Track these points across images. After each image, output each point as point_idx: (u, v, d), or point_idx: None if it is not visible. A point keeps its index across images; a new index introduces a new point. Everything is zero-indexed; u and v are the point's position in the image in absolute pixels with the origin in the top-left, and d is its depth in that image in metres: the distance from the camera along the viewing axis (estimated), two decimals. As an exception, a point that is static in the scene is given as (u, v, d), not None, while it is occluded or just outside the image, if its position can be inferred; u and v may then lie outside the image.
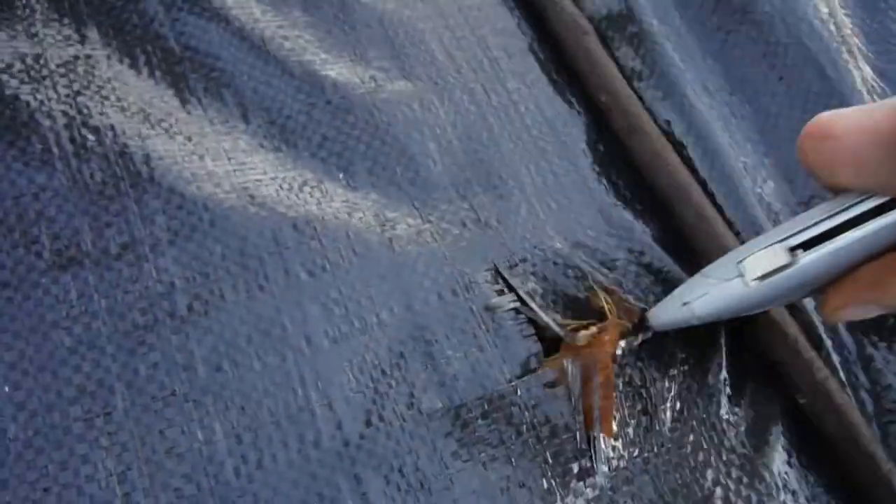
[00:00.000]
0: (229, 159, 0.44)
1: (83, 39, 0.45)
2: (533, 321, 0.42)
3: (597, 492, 0.38)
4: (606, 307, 0.42)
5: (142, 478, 0.33)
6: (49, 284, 0.37)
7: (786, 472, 0.42)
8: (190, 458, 0.34)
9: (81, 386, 0.34)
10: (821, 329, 0.47)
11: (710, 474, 0.40)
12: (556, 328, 0.41)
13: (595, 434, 0.40)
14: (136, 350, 0.36)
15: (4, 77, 0.41)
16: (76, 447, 0.33)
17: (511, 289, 0.43)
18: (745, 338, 0.45)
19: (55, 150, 0.40)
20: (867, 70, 0.57)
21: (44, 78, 0.43)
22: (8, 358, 0.34)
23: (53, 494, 0.32)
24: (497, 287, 0.44)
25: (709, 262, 0.40)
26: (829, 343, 0.46)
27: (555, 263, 0.46)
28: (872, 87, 0.56)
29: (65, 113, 0.42)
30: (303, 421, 0.37)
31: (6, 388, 0.33)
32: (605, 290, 0.43)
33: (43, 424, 0.33)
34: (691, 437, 0.41)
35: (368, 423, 0.38)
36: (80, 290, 0.37)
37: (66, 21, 0.46)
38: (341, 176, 0.46)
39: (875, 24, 0.60)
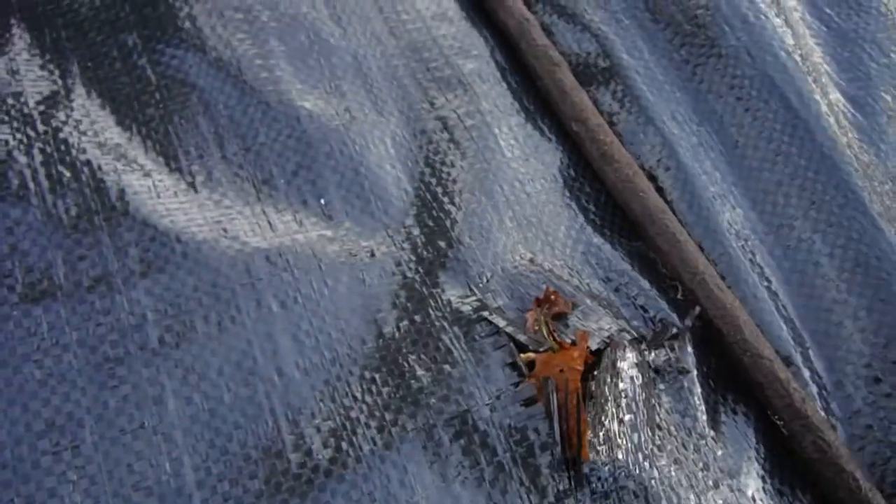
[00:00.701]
0: (203, 191, 0.45)
1: (64, 74, 0.46)
2: (507, 334, 0.43)
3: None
4: (545, 334, 0.43)
5: (109, 511, 0.34)
6: (21, 317, 0.37)
7: (761, 499, 0.43)
8: (158, 491, 0.35)
9: (50, 419, 0.35)
10: (797, 358, 0.48)
11: (693, 498, 0.41)
12: (523, 339, 0.42)
13: (574, 455, 0.40)
14: (107, 383, 0.37)
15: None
16: (44, 481, 0.34)
17: (485, 306, 0.44)
18: (721, 362, 0.46)
19: (31, 185, 0.41)
20: (837, 97, 0.58)
21: (24, 116, 0.44)
22: (-22, 393, 0.35)
23: (20, 529, 0.33)
24: (468, 301, 0.45)
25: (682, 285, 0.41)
26: (805, 372, 0.48)
27: (524, 280, 0.47)
28: (843, 113, 0.58)
29: (42, 150, 0.43)
30: (273, 451, 0.38)
31: (-25, 423, 0.34)
32: (545, 318, 0.44)
33: (11, 458, 0.34)
34: (666, 461, 0.42)
35: (339, 449, 0.39)
36: (51, 323, 0.38)
37: (47, 56, 0.47)
38: (316, 204, 0.47)
39: (846, 53, 0.61)
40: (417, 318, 0.44)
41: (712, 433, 0.44)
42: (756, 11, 0.57)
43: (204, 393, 0.38)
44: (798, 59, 0.56)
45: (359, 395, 0.40)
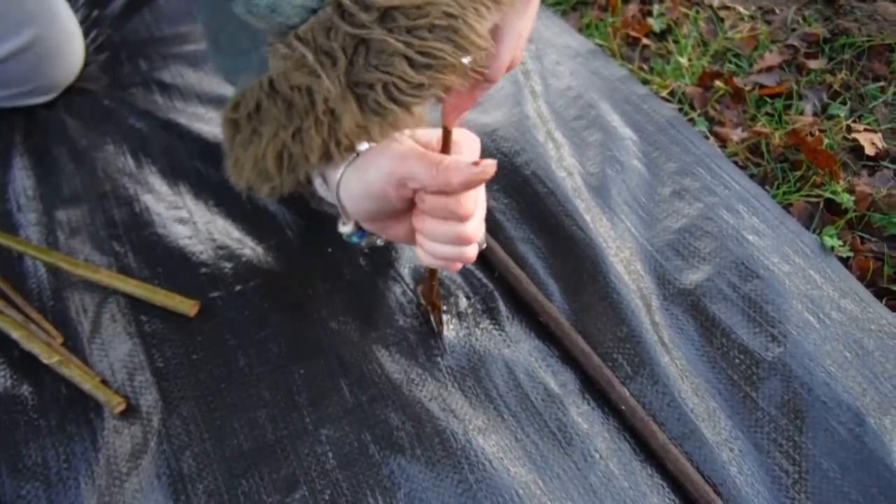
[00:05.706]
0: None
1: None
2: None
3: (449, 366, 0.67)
4: (433, 293, 0.71)
5: None
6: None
7: (535, 346, 0.69)
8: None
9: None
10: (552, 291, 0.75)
11: (501, 350, 0.67)
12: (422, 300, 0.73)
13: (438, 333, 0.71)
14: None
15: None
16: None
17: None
18: (514, 299, 0.75)
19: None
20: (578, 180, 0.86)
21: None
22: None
23: None
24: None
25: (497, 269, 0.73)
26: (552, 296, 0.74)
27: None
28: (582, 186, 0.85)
29: None
30: None
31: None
32: (433, 292, 0.72)
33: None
34: (486, 337, 0.71)
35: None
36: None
37: None
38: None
39: (576, 140, 0.92)
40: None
41: (507, 327, 0.74)
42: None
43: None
44: (552, 147, 0.87)
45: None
